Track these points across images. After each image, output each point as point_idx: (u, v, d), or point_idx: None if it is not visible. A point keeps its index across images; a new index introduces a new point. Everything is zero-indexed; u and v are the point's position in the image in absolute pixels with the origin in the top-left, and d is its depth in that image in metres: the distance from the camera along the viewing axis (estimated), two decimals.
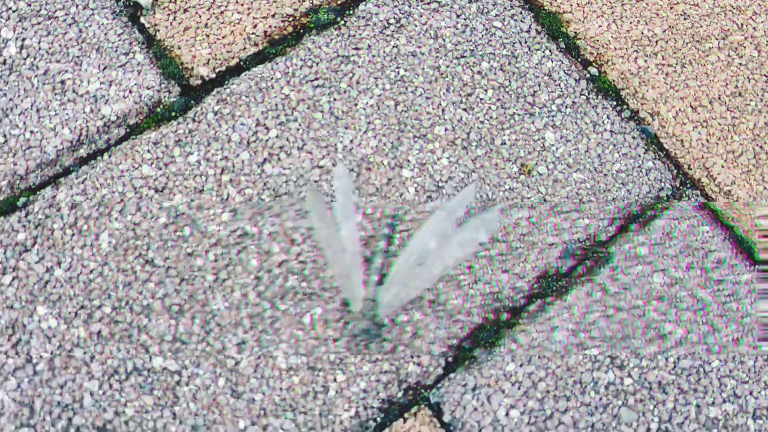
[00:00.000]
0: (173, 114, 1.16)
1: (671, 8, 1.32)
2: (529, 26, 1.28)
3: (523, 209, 1.14)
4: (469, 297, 1.08)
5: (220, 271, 1.06)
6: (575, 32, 1.28)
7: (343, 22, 1.24)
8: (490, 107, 1.21)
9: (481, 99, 1.22)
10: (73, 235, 1.06)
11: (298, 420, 0.99)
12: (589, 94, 1.25)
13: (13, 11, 1.19)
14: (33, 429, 0.96)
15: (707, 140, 1.22)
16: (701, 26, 1.31)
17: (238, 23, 1.22)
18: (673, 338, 1.08)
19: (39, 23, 1.19)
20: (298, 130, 1.16)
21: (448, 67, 1.23)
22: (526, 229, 1.13)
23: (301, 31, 1.23)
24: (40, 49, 1.17)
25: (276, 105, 1.18)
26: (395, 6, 1.26)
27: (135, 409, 0.98)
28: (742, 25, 1.31)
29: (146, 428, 0.97)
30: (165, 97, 1.16)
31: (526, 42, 1.26)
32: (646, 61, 1.27)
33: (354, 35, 1.23)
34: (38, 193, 1.08)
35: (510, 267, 1.10)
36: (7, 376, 0.98)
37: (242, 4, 1.24)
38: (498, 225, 1.10)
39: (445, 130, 1.19)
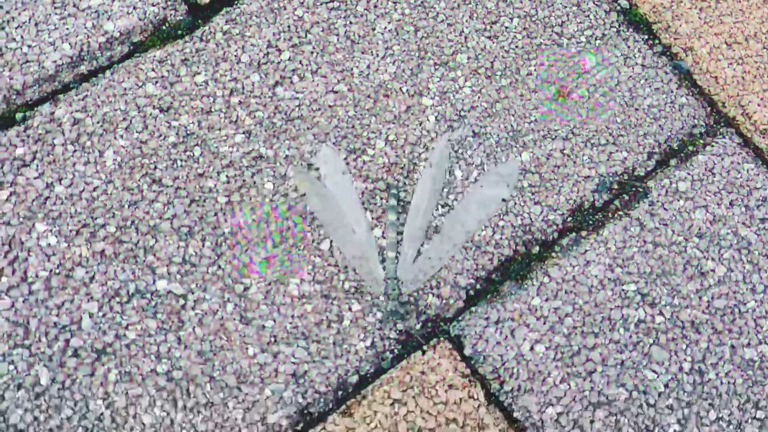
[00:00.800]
0: (179, 33, 1.09)
1: None
2: None
3: (556, 140, 1.07)
4: (499, 228, 1.02)
5: (232, 194, 0.99)
6: None
7: None
8: (515, 36, 1.15)
9: (507, 27, 1.15)
10: (75, 151, 1.00)
11: (310, 348, 0.93)
12: (619, 26, 1.18)
13: None
14: (28, 350, 0.90)
15: (743, 78, 1.16)
16: None
17: None
18: (714, 276, 1.02)
19: None
20: (312, 53, 1.10)
21: None
22: (559, 160, 1.07)
23: None
24: None
25: (289, 27, 1.11)
26: None
27: (137, 332, 0.92)
28: None
29: (149, 352, 0.91)
30: (171, 15, 1.10)
31: None
32: None
33: None
34: (36, 108, 1.02)
35: (542, 199, 1.04)
36: (1, 295, 0.92)
37: None
38: (517, 178, 1.04)
39: (468, 58, 1.12)
